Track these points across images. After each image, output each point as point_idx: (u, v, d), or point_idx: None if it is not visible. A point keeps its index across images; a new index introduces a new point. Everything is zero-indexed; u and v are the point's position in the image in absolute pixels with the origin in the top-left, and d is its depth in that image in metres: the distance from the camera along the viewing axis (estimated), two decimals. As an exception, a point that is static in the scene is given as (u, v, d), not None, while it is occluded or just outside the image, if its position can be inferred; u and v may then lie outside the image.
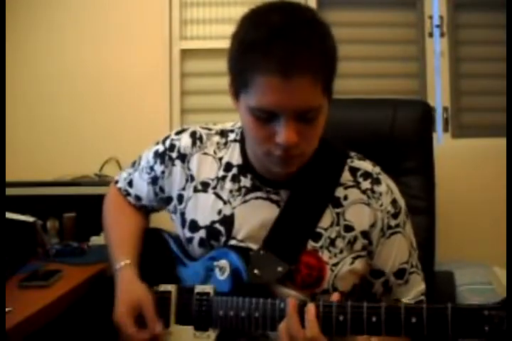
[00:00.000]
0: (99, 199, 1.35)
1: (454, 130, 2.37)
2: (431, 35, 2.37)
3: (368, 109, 1.60)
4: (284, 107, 0.92)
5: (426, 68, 2.37)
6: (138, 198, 1.27)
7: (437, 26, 2.36)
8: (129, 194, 1.28)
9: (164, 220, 1.27)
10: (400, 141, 1.50)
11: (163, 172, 1.19)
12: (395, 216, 1.10)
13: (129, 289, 1.10)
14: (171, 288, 1.11)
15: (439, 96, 2.37)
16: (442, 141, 2.36)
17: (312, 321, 0.88)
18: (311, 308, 0.89)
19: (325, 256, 1.06)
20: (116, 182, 1.32)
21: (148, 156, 1.24)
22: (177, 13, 2.40)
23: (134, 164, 1.29)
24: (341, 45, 2.55)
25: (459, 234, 2.19)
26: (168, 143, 1.20)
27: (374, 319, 0.86)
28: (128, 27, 2.38)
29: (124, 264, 1.14)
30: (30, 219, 1.73)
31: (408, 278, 1.11)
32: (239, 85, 0.98)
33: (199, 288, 1.08)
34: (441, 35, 2.37)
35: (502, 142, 2.01)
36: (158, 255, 1.22)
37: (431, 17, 2.37)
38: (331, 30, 0.98)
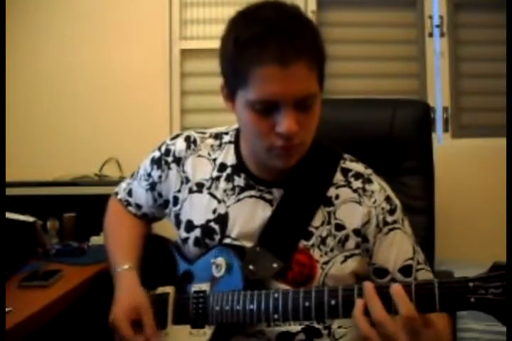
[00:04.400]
0: (99, 199, 1.36)
1: (454, 130, 2.38)
2: (431, 35, 2.38)
3: (368, 109, 1.60)
4: (284, 95, 0.95)
5: (426, 68, 2.38)
6: (138, 206, 1.28)
7: (437, 26, 2.37)
8: (129, 204, 1.29)
9: (166, 227, 1.27)
10: (400, 141, 1.50)
11: (160, 176, 1.21)
12: (391, 212, 1.10)
13: (129, 293, 1.10)
14: (168, 289, 1.12)
15: (439, 96, 2.37)
16: (442, 141, 2.37)
17: (405, 299, 0.84)
18: (398, 288, 0.86)
19: (316, 254, 1.07)
20: (116, 194, 1.33)
21: (145, 164, 1.25)
22: (177, 13, 2.40)
23: (132, 174, 1.31)
24: (341, 45, 2.56)
25: (458, 233, 2.20)
26: (163, 148, 1.22)
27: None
28: (128, 27, 2.38)
29: (125, 268, 1.15)
30: (30, 219, 1.73)
31: (416, 275, 1.10)
32: (236, 83, 1.00)
33: (196, 287, 1.09)
34: (441, 35, 2.37)
35: (502, 142, 2.01)
36: (160, 261, 1.23)
37: (431, 17, 2.37)
38: (316, 26, 1.05)
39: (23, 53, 2.39)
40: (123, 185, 1.33)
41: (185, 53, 2.42)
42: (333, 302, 0.90)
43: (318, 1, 2.38)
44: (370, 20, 2.41)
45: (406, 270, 1.09)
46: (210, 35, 2.35)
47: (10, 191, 1.76)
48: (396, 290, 0.85)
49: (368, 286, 0.88)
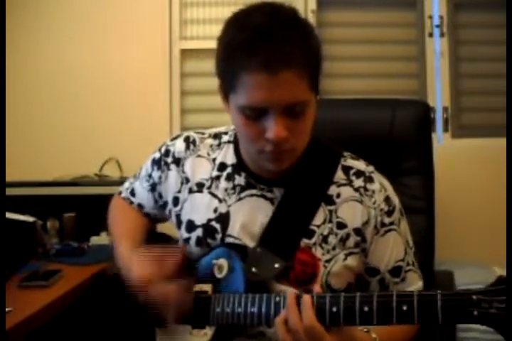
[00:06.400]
0: (99, 199, 1.36)
1: (454, 130, 2.38)
2: (431, 35, 2.38)
3: (368, 109, 1.60)
4: (272, 102, 0.96)
5: (426, 68, 2.38)
6: (140, 206, 1.29)
7: (437, 26, 2.37)
8: (132, 202, 1.30)
9: (170, 226, 1.27)
10: (400, 141, 1.50)
11: (160, 177, 1.22)
12: (389, 213, 1.11)
13: (133, 254, 1.09)
14: None
15: (439, 96, 2.37)
16: (442, 141, 2.37)
17: (308, 310, 0.89)
18: (306, 298, 0.91)
19: (318, 252, 1.07)
20: (120, 193, 1.34)
21: (146, 165, 1.26)
22: (177, 13, 2.40)
23: (135, 175, 1.32)
24: (341, 45, 2.56)
25: (458, 233, 2.19)
26: (163, 149, 1.23)
27: (366, 308, 0.87)
28: (128, 27, 2.38)
29: (123, 246, 1.15)
30: (30, 219, 1.73)
31: (404, 276, 1.12)
32: (227, 87, 1.01)
33: (197, 287, 1.08)
34: (441, 35, 2.37)
35: (502, 142, 2.01)
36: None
37: (431, 17, 2.37)
38: (313, 29, 1.03)
39: (23, 53, 2.39)
40: (126, 184, 1.33)
41: (185, 53, 2.42)
42: (334, 309, 0.89)
43: (318, 1, 2.38)
44: (370, 20, 2.40)
45: (396, 271, 1.11)
46: (210, 35, 2.35)
47: (10, 191, 1.76)
48: (305, 300, 0.90)
49: (290, 295, 0.92)
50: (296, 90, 0.96)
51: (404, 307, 0.85)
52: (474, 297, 0.81)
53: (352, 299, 0.89)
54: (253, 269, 1.04)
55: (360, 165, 1.14)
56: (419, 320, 0.84)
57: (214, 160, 1.17)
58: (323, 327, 0.89)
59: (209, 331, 1.04)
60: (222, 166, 1.16)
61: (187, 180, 1.18)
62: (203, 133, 1.22)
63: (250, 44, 0.94)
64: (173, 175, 1.20)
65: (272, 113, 0.96)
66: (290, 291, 0.94)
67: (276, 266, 1.05)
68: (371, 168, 1.14)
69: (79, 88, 2.38)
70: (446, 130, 2.37)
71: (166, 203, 1.22)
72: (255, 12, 0.99)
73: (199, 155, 1.18)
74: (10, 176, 1.86)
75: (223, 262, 1.07)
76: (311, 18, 2.34)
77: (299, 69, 0.95)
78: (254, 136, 1.01)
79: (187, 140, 1.21)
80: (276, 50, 0.93)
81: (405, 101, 1.71)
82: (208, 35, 2.38)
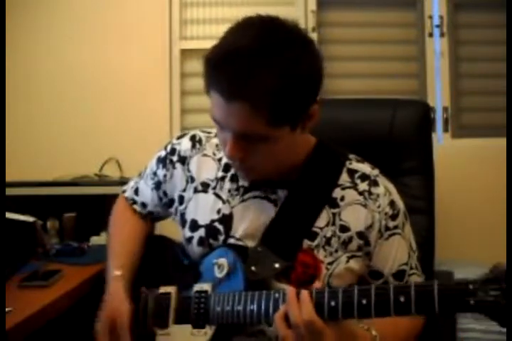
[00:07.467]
0: (99, 199, 1.36)
1: (454, 130, 2.38)
2: (431, 35, 2.37)
3: (368, 109, 1.60)
4: (226, 125, 0.98)
5: (426, 68, 2.37)
6: (143, 205, 1.29)
7: (437, 26, 2.37)
8: (135, 202, 1.30)
9: (171, 228, 1.27)
10: (400, 141, 1.50)
11: (165, 175, 1.22)
12: (393, 217, 1.10)
13: (111, 302, 1.11)
14: (171, 289, 1.11)
15: (439, 96, 2.37)
16: (442, 141, 2.37)
17: (307, 304, 0.90)
18: (305, 293, 0.91)
19: (320, 254, 1.07)
20: (124, 191, 1.34)
21: (152, 163, 1.27)
22: (177, 13, 2.40)
23: (140, 173, 1.32)
24: (341, 45, 2.56)
25: (458, 233, 2.19)
26: (169, 147, 1.23)
27: (364, 301, 0.88)
28: (128, 27, 2.38)
29: (114, 275, 1.15)
30: (30, 219, 1.73)
31: (408, 279, 1.12)
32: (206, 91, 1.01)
33: (197, 287, 1.09)
34: (441, 35, 2.37)
35: (502, 142, 2.02)
36: (164, 261, 1.23)
37: (431, 17, 2.37)
38: (309, 55, 0.97)
39: (23, 53, 2.39)
40: (131, 183, 1.34)
41: (185, 53, 2.41)
42: (333, 303, 0.90)
43: (318, 1, 2.38)
44: (370, 20, 2.40)
45: (399, 274, 1.11)
46: (210, 35, 2.35)
47: (10, 191, 1.76)
48: (303, 295, 0.91)
49: (291, 291, 0.92)
50: (247, 122, 0.94)
51: (402, 299, 0.85)
52: (470, 286, 0.82)
53: (350, 293, 0.89)
54: (253, 268, 1.05)
55: (365, 168, 1.13)
56: (417, 310, 0.85)
57: (219, 160, 1.17)
58: (322, 321, 0.89)
59: (209, 330, 1.04)
60: (227, 167, 1.16)
61: (192, 179, 1.18)
62: (209, 133, 1.22)
63: (223, 64, 0.93)
64: (178, 173, 1.20)
65: (229, 132, 0.98)
66: (290, 287, 0.94)
67: (277, 265, 1.05)
68: (376, 172, 1.14)
69: (79, 88, 2.38)
70: (446, 130, 2.37)
71: (172, 201, 1.22)
72: (247, 29, 0.97)
73: (205, 155, 1.19)
74: (10, 176, 1.86)
75: (224, 262, 1.07)
76: (311, 18, 2.34)
77: (256, 104, 0.92)
78: (221, 143, 1.05)
79: (193, 139, 1.21)
80: (242, 78, 0.91)
81: (405, 101, 1.71)
82: (207, 35, 2.37)
